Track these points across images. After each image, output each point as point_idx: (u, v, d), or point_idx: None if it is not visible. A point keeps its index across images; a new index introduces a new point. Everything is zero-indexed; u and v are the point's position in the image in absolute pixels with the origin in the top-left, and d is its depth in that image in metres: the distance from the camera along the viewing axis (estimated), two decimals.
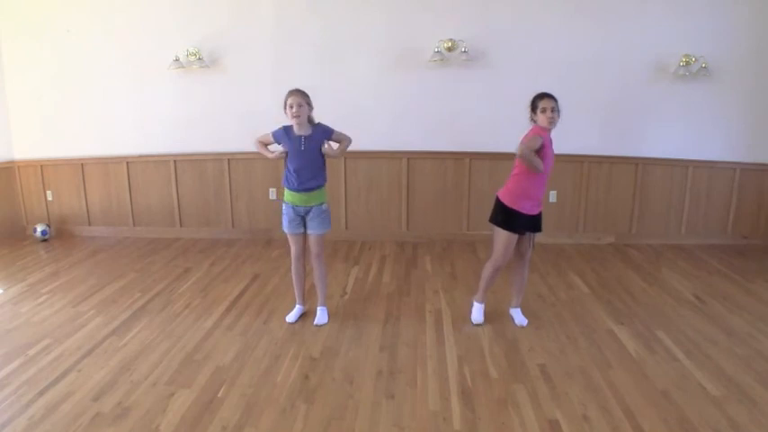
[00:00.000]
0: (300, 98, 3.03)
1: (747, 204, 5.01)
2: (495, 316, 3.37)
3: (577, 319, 3.35)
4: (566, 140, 4.89)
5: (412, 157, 5.04)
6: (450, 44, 4.73)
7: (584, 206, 5.05)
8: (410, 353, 2.92)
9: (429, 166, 5.05)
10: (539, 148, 2.91)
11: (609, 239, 5.09)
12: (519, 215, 3.02)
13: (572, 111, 4.83)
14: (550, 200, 5.02)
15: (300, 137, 3.07)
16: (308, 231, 3.22)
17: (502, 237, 3.06)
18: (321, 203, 3.18)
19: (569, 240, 5.08)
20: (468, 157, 4.92)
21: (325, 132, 3.13)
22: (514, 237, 3.05)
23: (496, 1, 4.71)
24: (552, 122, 2.95)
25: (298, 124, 3.06)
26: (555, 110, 2.94)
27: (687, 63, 4.64)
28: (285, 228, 3.23)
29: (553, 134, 4.90)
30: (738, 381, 2.61)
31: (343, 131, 3.20)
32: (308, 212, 3.17)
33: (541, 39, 4.72)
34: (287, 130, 3.11)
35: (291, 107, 3.02)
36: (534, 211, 3.06)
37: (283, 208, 3.20)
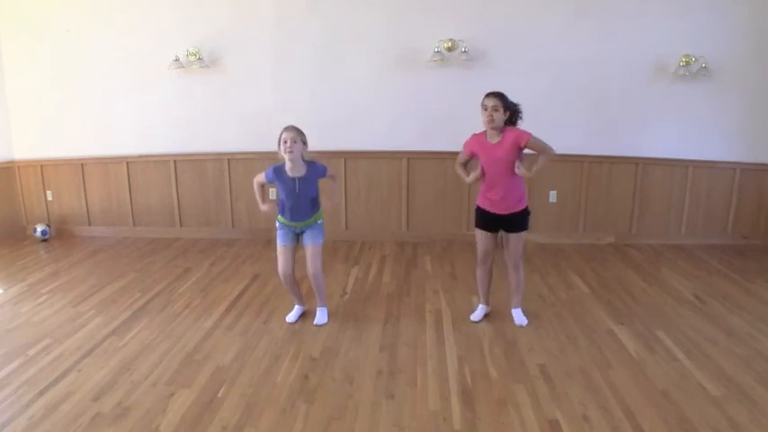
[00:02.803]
0: (295, 134, 2.99)
1: (747, 204, 5.01)
2: (495, 316, 3.37)
3: (577, 319, 3.35)
4: (566, 140, 4.89)
5: (412, 157, 5.04)
6: (450, 44, 4.73)
7: (584, 206, 5.05)
8: (410, 353, 2.92)
9: (429, 166, 5.05)
10: (472, 157, 3.11)
11: (609, 239, 5.09)
12: (480, 211, 3.17)
13: (572, 110, 4.88)
14: (550, 200, 5.02)
15: (294, 179, 3.04)
16: (303, 243, 3.21)
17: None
18: (316, 220, 3.19)
19: (569, 240, 5.08)
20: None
21: (318, 172, 3.09)
22: (481, 233, 3.18)
23: (496, 1, 4.71)
24: (491, 121, 2.94)
25: (291, 161, 3.01)
26: (497, 108, 2.92)
27: (687, 63, 4.64)
28: (280, 240, 3.19)
29: (552, 133, 4.88)
30: (738, 381, 2.61)
31: (335, 173, 3.18)
32: (302, 231, 3.19)
33: (541, 39, 4.73)
34: (278, 171, 3.07)
35: (285, 142, 2.98)
36: (496, 210, 3.09)
37: (277, 225, 3.20)
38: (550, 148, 2.97)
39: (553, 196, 5.03)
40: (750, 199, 5.00)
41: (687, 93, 4.78)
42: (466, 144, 3.14)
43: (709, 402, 2.43)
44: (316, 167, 3.11)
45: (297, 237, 3.22)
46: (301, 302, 3.41)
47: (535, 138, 2.95)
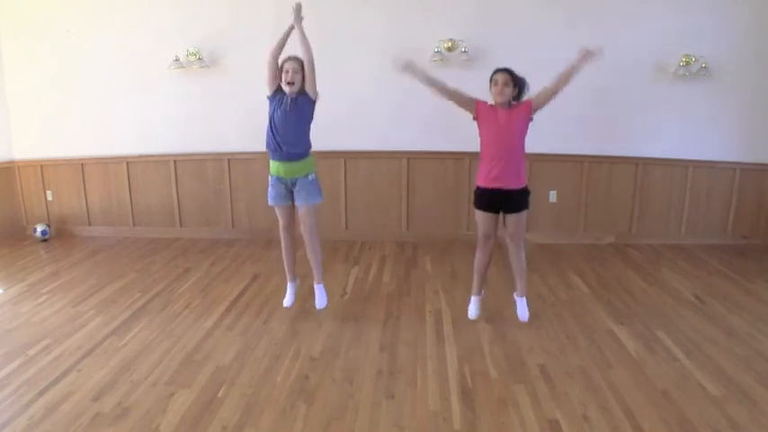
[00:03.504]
0: (297, 65, 2.99)
1: (747, 204, 5.01)
2: (494, 316, 3.37)
3: (577, 319, 3.35)
4: (566, 140, 4.92)
5: (412, 157, 5.04)
6: (450, 44, 4.73)
7: (584, 206, 5.04)
8: (410, 353, 2.92)
9: (429, 166, 5.05)
10: (474, 117, 3.08)
11: (609, 239, 5.09)
12: (479, 191, 3.13)
13: (572, 110, 4.85)
14: (550, 199, 5.02)
15: (289, 96, 3.03)
16: (296, 203, 3.17)
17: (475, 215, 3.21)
18: (307, 174, 3.13)
19: (569, 240, 5.08)
20: (468, 157, 4.92)
21: (310, 94, 3.09)
22: (481, 215, 3.14)
23: (496, 1, 4.71)
24: (501, 95, 2.98)
25: (291, 92, 3.03)
26: (507, 83, 2.97)
27: (687, 63, 4.64)
28: (270, 201, 3.19)
29: (553, 133, 4.89)
30: (738, 381, 2.61)
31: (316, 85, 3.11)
32: (294, 184, 3.13)
33: (541, 39, 4.72)
34: (277, 90, 3.08)
35: (287, 72, 2.98)
36: (495, 185, 3.04)
37: (269, 180, 3.18)
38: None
39: (553, 196, 5.03)
40: (750, 199, 4.99)
41: (687, 93, 4.77)
42: (477, 100, 3.07)
43: (709, 402, 2.43)
44: (310, 92, 3.10)
45: (290, 194, 3.16)
46: (293, 277, 3.35)
47: (536, 96, 2.99)
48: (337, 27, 4.83)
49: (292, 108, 3.04)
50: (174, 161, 5.25)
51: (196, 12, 4.91)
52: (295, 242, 3.32)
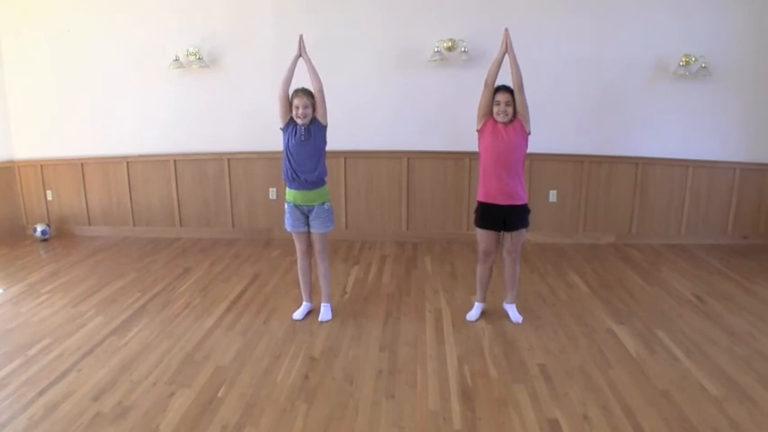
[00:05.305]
0: (306, 100, 3.05)
1: (747, 204, 5.01)
2: (494, 315, 3.37)
3: (577, 318, 3.35)
4: (566, 140, 4.92)
5: (412, 156, 5.04)
6: (450, 44, 4.73)
7: (584, 206, 5.04)
8: (410, 353, 2.92)
9: (429, 166, 5.05)
10: (478, 129, 3.11)
11: (609, 239, 5.09)
12: (481, 207, 3.17)
13: (572, 110, 4.87)
14: (550, 199, 5.02)
15: (302, 126, 3.09)
16: (311, 230, 3.25)
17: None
18: (323, 203, 3.21)
19: (569, 240, 5.08)
20: (468, 157, 4.92)
21: (322, 124, 3.14)
22: (482, 233, 3.19)
23: (496, 1, 4.71)
24: (505, 116, 3.01)
25: (302, 124, 3.09)
26: (509, 103, 3.00)
27: (687, 63, 4.64)
28: (288, 227, 3.27)
29: (552, 133, 4.90)
30: (738, 381, 2.61)
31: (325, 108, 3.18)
32: (310, 211, 3.20)
33: (541, 38, 4.72)
34: (290, 121, 3.13)
35: (297, 108, 3.05)
36: (497, 201, 3.08)
37: (286, 207, 3.23)
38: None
39: (553, 196, 5.03)
40: (750, 199, 4.99)
41: (687, 93, 4.77)
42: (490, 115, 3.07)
43: (709, 402, 2.43)
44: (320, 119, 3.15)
45: (306, 220, 3.22)
46: (309, 299, 3.42)
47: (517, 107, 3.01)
48: (337, 27, 4.83)
49: (306, 137, 3.10)
50: (174, 161, 5.25)
51: (196, 12, 4.91)
52: (311, 267, 3.39)
